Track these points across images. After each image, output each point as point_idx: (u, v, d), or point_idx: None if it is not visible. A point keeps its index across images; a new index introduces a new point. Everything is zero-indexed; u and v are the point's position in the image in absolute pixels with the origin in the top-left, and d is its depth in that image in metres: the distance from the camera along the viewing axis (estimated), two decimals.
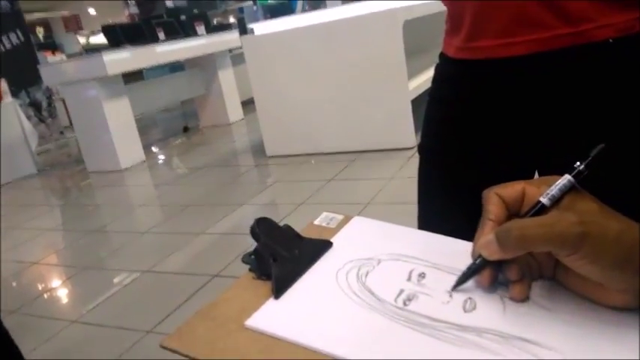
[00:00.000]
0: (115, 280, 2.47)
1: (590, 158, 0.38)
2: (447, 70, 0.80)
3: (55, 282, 2.67)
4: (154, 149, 5.55)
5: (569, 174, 0.37)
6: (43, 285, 2.65)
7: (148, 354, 1.76)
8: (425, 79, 3.71)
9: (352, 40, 3.50)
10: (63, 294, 2.53)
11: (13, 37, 6.16)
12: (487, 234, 0.37)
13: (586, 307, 0.37)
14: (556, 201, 0.37)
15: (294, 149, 3.95)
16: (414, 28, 3.55)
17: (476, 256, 0.38)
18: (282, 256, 0.43)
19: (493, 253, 0.36)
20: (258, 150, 4.29)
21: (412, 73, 3.58)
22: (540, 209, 0.37)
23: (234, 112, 6.04)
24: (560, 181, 0.37)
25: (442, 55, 0.81)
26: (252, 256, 0.44)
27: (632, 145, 0.66)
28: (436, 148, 0.82)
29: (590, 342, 0.34)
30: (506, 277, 0.38)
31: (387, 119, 3.53)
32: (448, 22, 0.78)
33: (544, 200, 0.37)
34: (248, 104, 5.61)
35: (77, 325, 2.09)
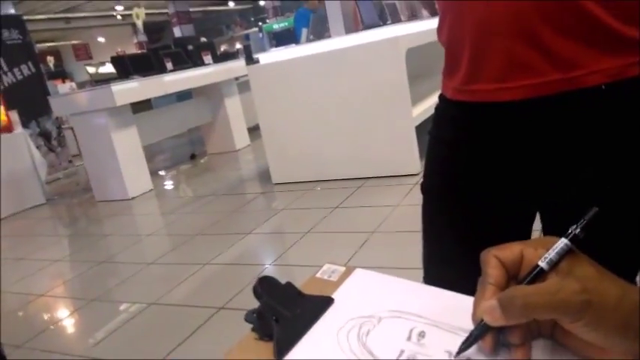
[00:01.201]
0: (122, 313, 2.46)
1: (584, 222, 0.38)
2: (447, 111, 0.81)
3: (62, 314, 2.67)
4: (162, 177, 5.59)
5: (566, 237, 0.38)
6: (49, 317, 2.65)
7: None
8: (428, 105, 3.74)
9: (356, 68, 3.54)
10: (70, 327, 2.52)
11: (24, 68, 6.29)
12: (488, 299, 0.38)
13: None
14: (554, 264, 0.38)
15: (300, 176, 3.97)
16: (416, 56, 3.60)
17: (478, 320, 0.38)
18: (284, 316, 0.44)
19: (496, 320, 0.36)
20: (265, 177, 4.31)
21: (416, 100, 3.61)
22: (539, 273, 0.38)
23: (241, 138, 6.10)
24: (557, 244, 0.38)
25: (441, 97, 0.83)
26: (255, 315, 0.45)
27: (624, 190, 0.67)
28: (439, 189, 0.83)
29: None
30: (508, 340, 0.38)
31: (391, 146, 3.55)
32: (445, 64, 0.80)
33: (542, 265, 0.38)
34: (255, 130, 5.66)
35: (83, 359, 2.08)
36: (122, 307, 2.55)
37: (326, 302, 0.47)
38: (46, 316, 2.67)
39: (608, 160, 0.67)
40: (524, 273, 0.39)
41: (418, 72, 3.79)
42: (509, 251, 0.40)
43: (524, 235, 0.80)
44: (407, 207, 2.95)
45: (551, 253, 0.38)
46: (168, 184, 5.33)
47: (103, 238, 3.91)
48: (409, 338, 0.42)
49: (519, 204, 0.78)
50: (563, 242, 0.38)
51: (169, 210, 4.32)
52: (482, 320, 0.38)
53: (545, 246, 0.38)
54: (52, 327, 2.50)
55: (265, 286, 0.45)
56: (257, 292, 0.44)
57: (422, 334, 0.42)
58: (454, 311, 0.44)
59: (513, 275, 0.40)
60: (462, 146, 0.78)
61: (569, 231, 0.38)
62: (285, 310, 0.44)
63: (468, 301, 0.44)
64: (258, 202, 3.98)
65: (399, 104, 3.46)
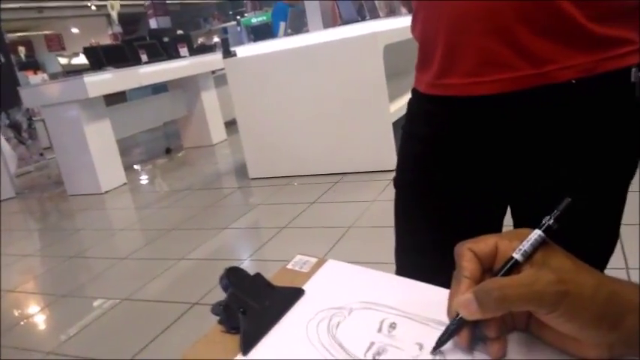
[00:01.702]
0: (94, 309, 2.41)
1: (558, 213, 0.38)
2: (419, 105, 0.81)
3: (32, 310, 2.60)
4: (136, 171, 5.50)
5: (539, 229, 0.38)
6: (18, 314, 2.57)
7: None
8: (405, 102, 3.74)
9: (334, 64, 3.53)
10: (39, 323, 2.46)
11: None
12: (463, 292, 0.37)
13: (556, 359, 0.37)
14: (528, 256, 0.37)
15: (277, 171, 3.95)
16: (394, 52, 3.60)
17: (453, 314, 0.38)
18: (252, 307, 0.42)
19: (473, 314, 0.36)
20: (241, 172, 4.28)
21: (393, 96, 3.62)
22: (514, 265, 0.37)
23: (217, 133, 6.03)
24: (531, 236, 0.38)
25: (414, 91, 0.82)
26: (222, 307, 0.43)
27: (594, 183, 0.68)
28: (412, 184, 0.82)
29: None
30: (484, 333, 0.37)
31: (368, 141, 3.55)
32: (419, 59, 0.79)
33: (517, 256, 0.37)
34: (232, 125, 5.61)
35: (53, 356, 2.03)
36: (94, 302, 2.49)
37: (296, 293, 0.46)
38: (15, 313, 2.59)
39: (578, 153, 0.68)
40: (499, 265, 0.38)
41: (396, 69, 3.80)
42: (484, 244, 0.40)
43: (496, 229, 0.81)
44: (383, 202, 2.96)
45: (526, 245, 0.37)
46: (143, 179, 5.24)
47: (75, 232, 3.83)
48: (380, 330, 0.41)
49: (492, 198, 0.78)
50: (536, 234, 0.38)
51: (143, 204, 4.25)
52: (457, 314, 0.37)
53: (519, 238, 0.38)
54: (21, 323, 2.43)
55: (232, 277, 0.44)
56: (224, 283, 0.43)
57: (393, 326, 0.41)
58: (426, 303, 0.43)
59: (488, 268, 0.39)
60: (435, 141, 0.78)
61: (543, 222, 0.38)
62: (253, 302, 0.43)
63: (439, 292, 0.43)
64: (235, 197, 3.94)
65: (377, 100, 3.46)
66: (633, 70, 0.64)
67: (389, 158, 3.48)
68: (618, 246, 0.75)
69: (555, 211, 0.39)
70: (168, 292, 2.44)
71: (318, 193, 3.39)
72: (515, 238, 0.39)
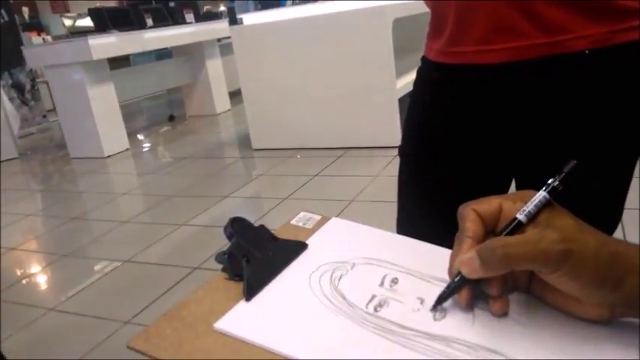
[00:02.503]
0: (95, 269, 2.44)
1: (563, 174, 0.38)
2: (429, 73, 0.80)
3: (34, 269, 2.64)
4: (139, 137, 5.48)
5: (544, 190, 0.38)
6: (20, 271, 2.61)
7: (124, 345, 1.75)
8: (412, 78, 3.71)
9: (341, 36, 3.49)
10: (41, 281, 2.49)
11: None
12: (466, 251, 0.37)
13: (557, 319, 0.37)
14: (532, 217, 0.37)
15: (281, 143, 3.94)
16: (403, 27, 3.55)
17: (455, 272, 0.38)
18: (256, 257, 0.43)
19: (474, 271, 0.36)
20: (244, 142, 4.27)
21: (400, 72, 3.58)
22: (517, 226, 0.37)
23: (221, 102, 6.00)
24: (535, 197, 0.37)
25: (424, 59, 0.81)
26: (226, 256, 0.44)
27: (602, 156, 0.67)
28: (417, 152, 0.82)
29: (558, 354, 0.34)
30: (486, 292, 0.38)
31: (373, 117, 3.53)
32: (430, 26, 0.78)
33: (520, 217, 0.37)
34: (236, 95, 5.57)
35: (54, 313, 2.07)
36: (95, 263, 2.52)
37: (299, 247, 0.46)
38: (16, 270, 2.63)
39: (588, 125, 0.67)
40: (502, 226, 0.38)
41: (405, 44, 3.74)
42: (488, 204, 0.39)
43: None
44: (386, 178, 2.96)
45: (530, 206, 0.37)
46: (145, 145, 5.24)
47: (77, 194, 3.85)
48: (382, 284, 0.41)
49: (497, 168, 0.78)
50: (541, 195, 0.37)
51: (145, 170, 4.26)
52: (459, 273, 0.37)
53: (523, 199, 0.38)
54: (23, 281, 2.47)
55: (237, 227, 0.44)
56: (228, 232, 0.43)
57: (395, 281, 0.42)
58: (428, 261, 0.44)
59: (491, 229, 0.39)
60: (441, 109, 0.77)
61: (548, 183, 0.38)
62: (257, 252, 0.43)
63: (442, 252, 0.44)
64: (237, 167, 3.94)
65: (383, 75, 3.43)
66: None
67: (393, 134, 3.46)
68: (619, 230, 0.75)
69: (561, 173, 0.38)
70: (169, 256, 2.47)
71: (321, 167, 3.38)
72: (519, 200, 0.38)
